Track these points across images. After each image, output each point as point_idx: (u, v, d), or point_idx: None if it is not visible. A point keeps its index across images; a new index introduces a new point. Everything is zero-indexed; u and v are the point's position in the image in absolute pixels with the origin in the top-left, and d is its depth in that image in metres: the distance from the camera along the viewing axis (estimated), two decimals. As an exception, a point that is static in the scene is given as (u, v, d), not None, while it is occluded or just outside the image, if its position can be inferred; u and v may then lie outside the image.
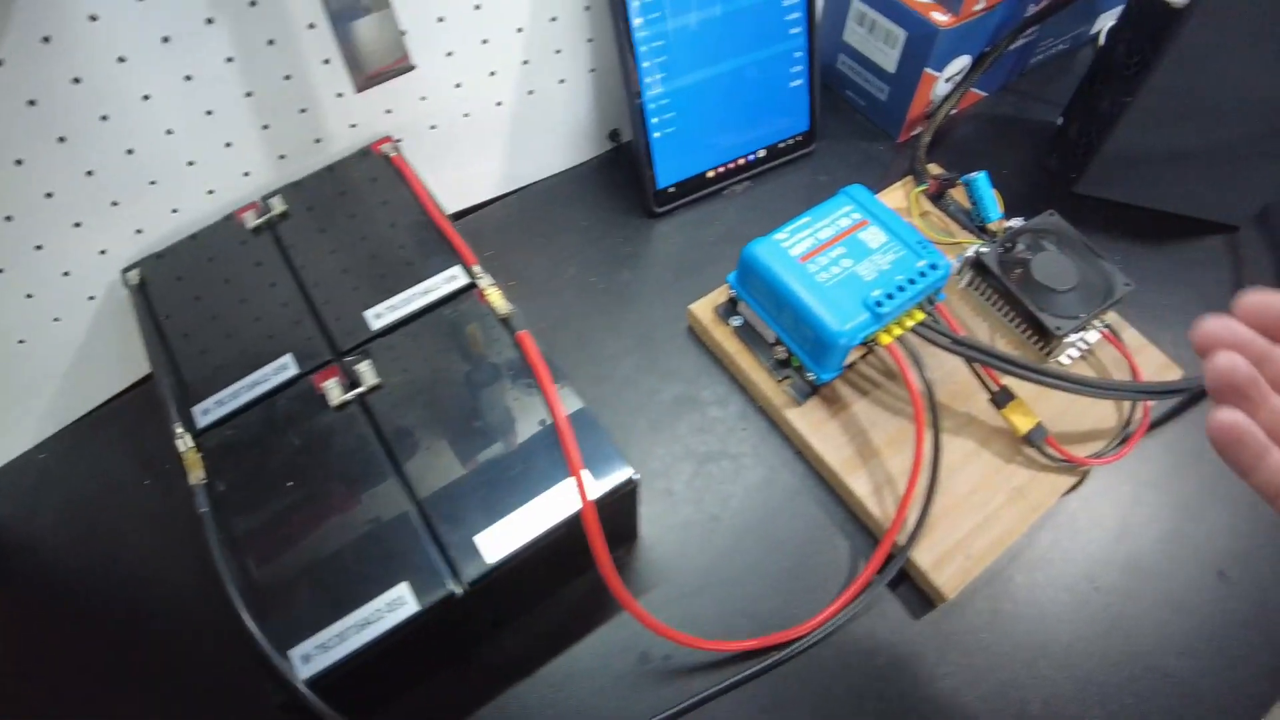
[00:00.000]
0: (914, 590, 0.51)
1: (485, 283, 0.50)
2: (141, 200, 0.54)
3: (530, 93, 0.62)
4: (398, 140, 0.59)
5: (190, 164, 0.54)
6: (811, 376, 0.54)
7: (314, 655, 0.40)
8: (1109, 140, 0.62)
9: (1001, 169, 0.68)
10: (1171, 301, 0.62)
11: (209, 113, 0.52)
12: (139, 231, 0.55)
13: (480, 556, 0.42)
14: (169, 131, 0.52)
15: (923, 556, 0.50)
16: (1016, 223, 0.59)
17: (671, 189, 0.64)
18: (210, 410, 0.48)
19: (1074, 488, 0.54)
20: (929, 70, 0.63)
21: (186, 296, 0.53)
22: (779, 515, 0.53)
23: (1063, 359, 0.57)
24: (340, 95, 0.56)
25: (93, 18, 0.45)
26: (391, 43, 0.51)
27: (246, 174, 0.56)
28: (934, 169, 0.64)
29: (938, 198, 0.62)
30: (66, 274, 0.54)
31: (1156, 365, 0.57)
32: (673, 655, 0.49)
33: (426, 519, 0.43)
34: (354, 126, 0.58)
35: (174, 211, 0.55)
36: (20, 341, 0.55)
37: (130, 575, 0.53)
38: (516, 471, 0.44)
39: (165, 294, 0.53)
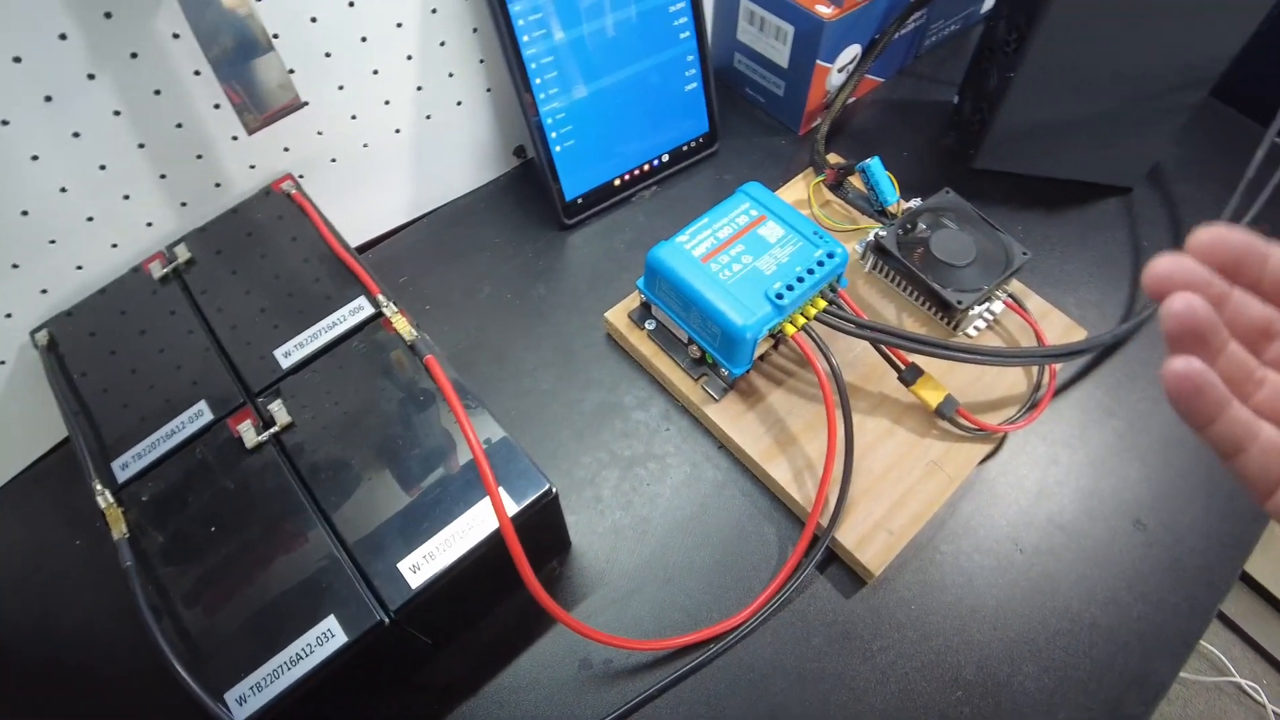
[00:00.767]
0: (843, 570, 0.52)
1: (391, 311, 0.50)
2: (43, 260, 0.54)
3: (428, 118, 0.62)
4: (300, 176, 0.59)
5: (89, 219, 0.54)
6: (725, 372, 0.55)
7: (249, 696, 0.40)
8: (999, 115, 0.64)
9: (902, 151, 0.69)
10: (1074, 265, 0.64)
11: (102, 167, 0.52)
12: (44, 291, 0.55)
13: (404, 583, 0.42)
14: (63, 189, 0.52)
15: (846, 536, 0.51)
16: (915, 204, 0.61)
17: (579, 200, 0.65)
18: (129, 464, 0.48)
19: (991, 455, 0.56)
20: (821, 62, 0.65)
21: (100, 352, 0.53)
22: (707, 510, 0.54)
23: (969, 331, 0.59)
24: (235, 138, 0.56)
25: (-33, 84, 0.45)
26: (279, 83, 0.51)
27: (149, 224, 0.56)
28: (833, 158, 0.66)
29: (837, 186, 0.64)
30: (-27, 341, 0.54)
31: (1062, 328, 0.59)
32: (613, 659, 0.50)
33: (349, 551, 0.44)
34: (253, 167, 0.58)
35: (78, 268, 0.55)
36: (-67, 412, 0.55)
37: (68, 639, 0.53)
38: (435, 496, 0.45)
39: (77, 351, 0.53)
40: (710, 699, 0.48)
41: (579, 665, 0.50)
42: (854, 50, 0.67)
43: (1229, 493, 0.54)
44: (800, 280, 0.52)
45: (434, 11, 0.57)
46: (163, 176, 0.55)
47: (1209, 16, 0.55)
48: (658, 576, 0.52)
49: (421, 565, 0.43)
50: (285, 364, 0.50)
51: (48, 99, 0.48)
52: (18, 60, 0.46)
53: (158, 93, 0.51)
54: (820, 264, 0.53)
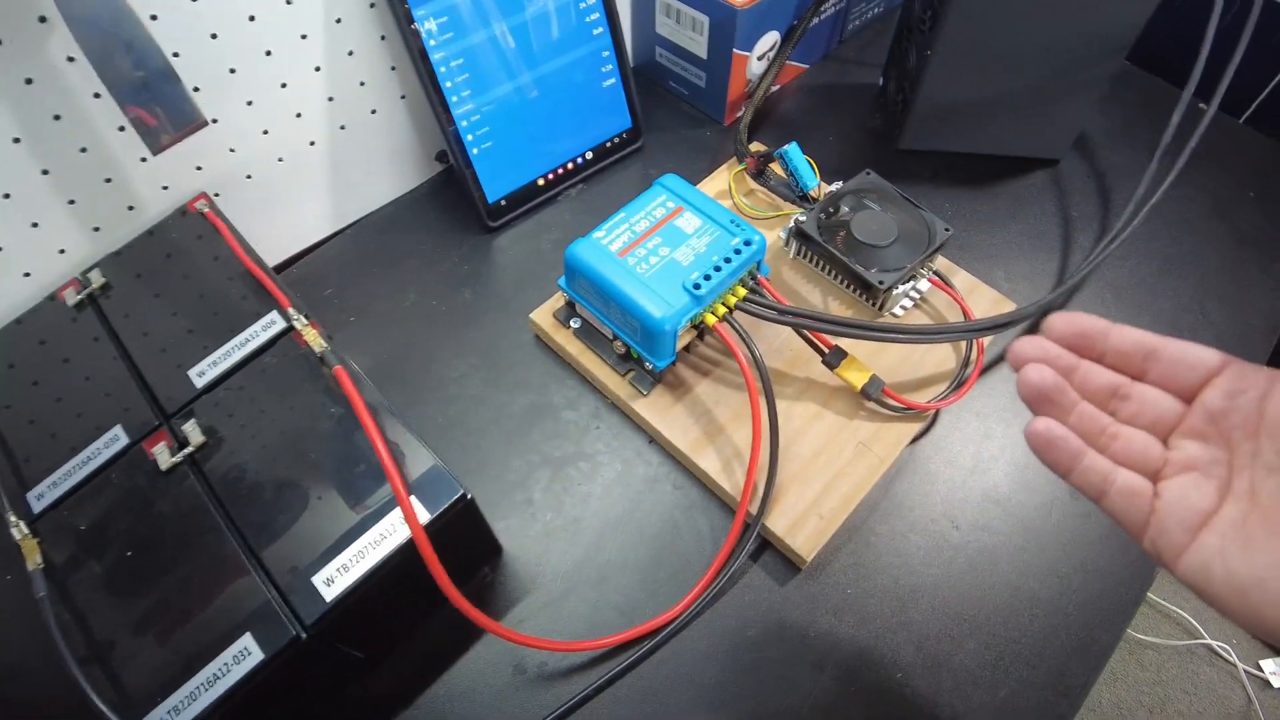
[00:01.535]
0: (777, 558, 0.52)
1: (301, 324, 0.50)
2: (-46, 292, 0.53)
3: (343, 128, 0.62)
4: (215, 195, 0.59)
5: (-1, 250, 0.53)
6: (650, 366, 0.54)
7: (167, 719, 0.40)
8: (920, 94, 0.64)
9: (828, 136, 0.69)
10: (1003, 239, 0.64)
11: (6, 195, 0.52)
12: (-43, 325, 0.54)
13: (319, 596, 0.42)
14: (-33, 221, 0.51)
15: (776, 523, 0.51)
16: (836, 187, 0.61)
17: (503, 202, 0.64)
18: (45, 494, 0.47)
19: (923, 434, 0.56)
20: (738, 51, 0.65)
21: (19, 382, 0.52)
22: (639, 507, 0.54)
23: (895, 311, 0.58)
24: (144, 159, 0.55)
25: None
26: (181, 103, 0.51)
27: (62, 251, 0.56)
28: (756, 147, 0.65)
29: (759, 174, 0.63)
30: (-110, 378, 0.53)
31: (990, 302, 0.59)
32: (548, 662, 0.49)
33: (264, 568, 0.43)
34: (166, 188, 0.57)
35: (-9, 300, 0.55)
36: None
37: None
38: (348, 506, 0.44)
39: (-3, 383, 0.52)
40: (647, 695, 0.48)
41: (513, 670, 0.49)
42: (773, 37, 0.67)
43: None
44: (717, 269, 0.52)
45: (339, 21, 0.57)
46: (71, 202, 0.54)
47: (1115, -17, 0.55)
48: (591, 576, 0.52)
49: (335, 578, 0.42)
50: (199, 383, 0.49)
51: (-60, 129, 0.48)
52: (-96, 91, 0.46)
53: (58, 118, 0.51)
54: (737, 252, 0.53)
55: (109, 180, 0.55)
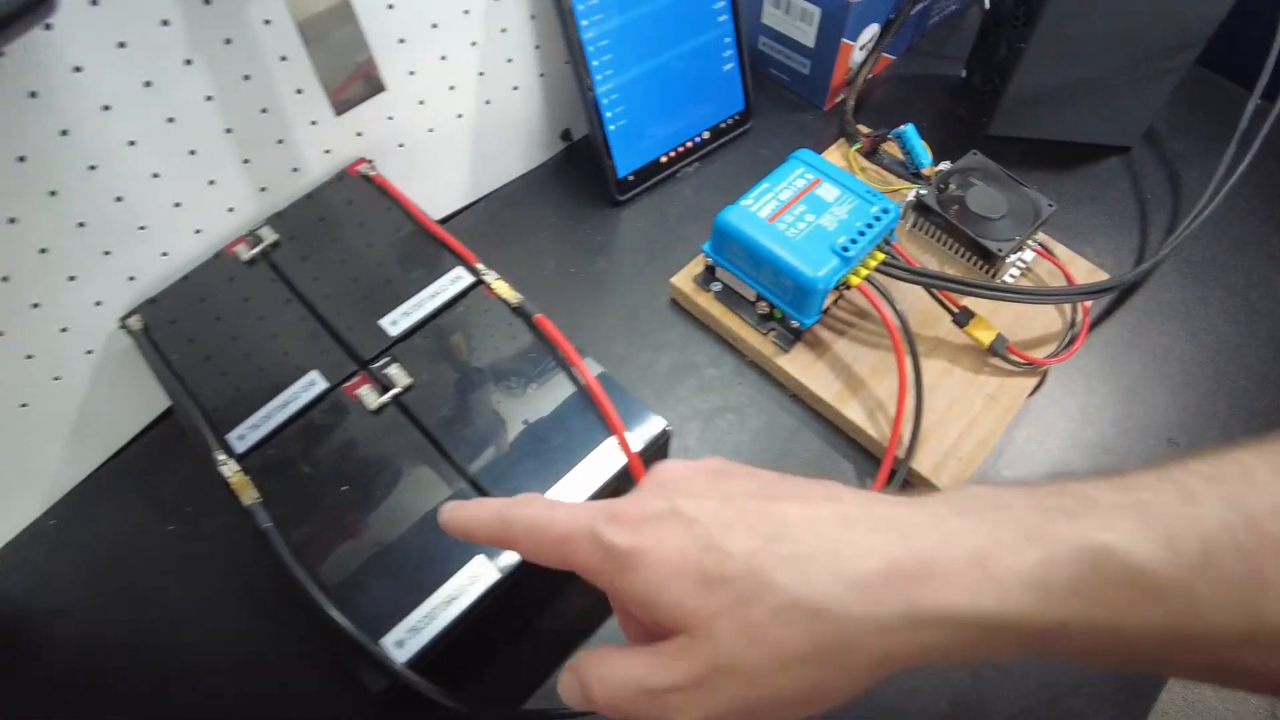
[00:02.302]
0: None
1: (491, 277, 0.53)
2: (132, 247, 0.55)
3: (488, 102, 0.65)
4: (369, 161, 0.61)
5: (177, 205, 0.55)
6: (795, 324, 0.58)
7: (406, 639, 0.42)
8: (1011, 85, 0.70)
9: (920, 121, 0.74)
10: (1086, 217, 0.70)
11: (192, 152, 0.54)
12: (131, 279, 0.56)
13: (543, 520, 0.45)
14: (155, 175, 0.53)
15: (922, 464, 0.55)
16: (945, 166, 0.66)
17: (630, 177, 0.68)
18: (245, 435, 0.49)
19: (1037, 388, 0.61)
20: (846, 40, 0.70)
21: (193, 335, 0.54)
22: (787, 454, 0.58)
23: (1006, 278, 0.64)
24: (314, 123, 0.58)
25: (77, 69, 0.47)
26: (370, 69, 0.54)
27: (230, 209, 0.58)
28: (862, 129, 0.70)
29: (871, 154, 0.68)
30: (64, 330, 0.54)
31: (1085, 271, 0.64)
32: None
33: (484, 493, 0.46)
34: (328, 152, 0.60)
35: (164, 255, 0.56)
36: (22, 405, 0.55)
37: (169, 628, 0.53)
38: (559, 440, 0.48)
39: (171, 335, 0.54)
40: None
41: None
42: (873, 29, 0.72)
43: (1250, 409, 0.60)
44: (861, 234, 0.56)
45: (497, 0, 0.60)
46: (246, 161, 0.56)
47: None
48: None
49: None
50: (393, 332, 0.52)
51: (147, 84, 0.50)
52: (122, 46, 0.48)
53: (247, 78, 0.53)
54: (877, 219, 0.57)
55: (281, 141, 0.57)
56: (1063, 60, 0.67)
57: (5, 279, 0.50)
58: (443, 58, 0.60)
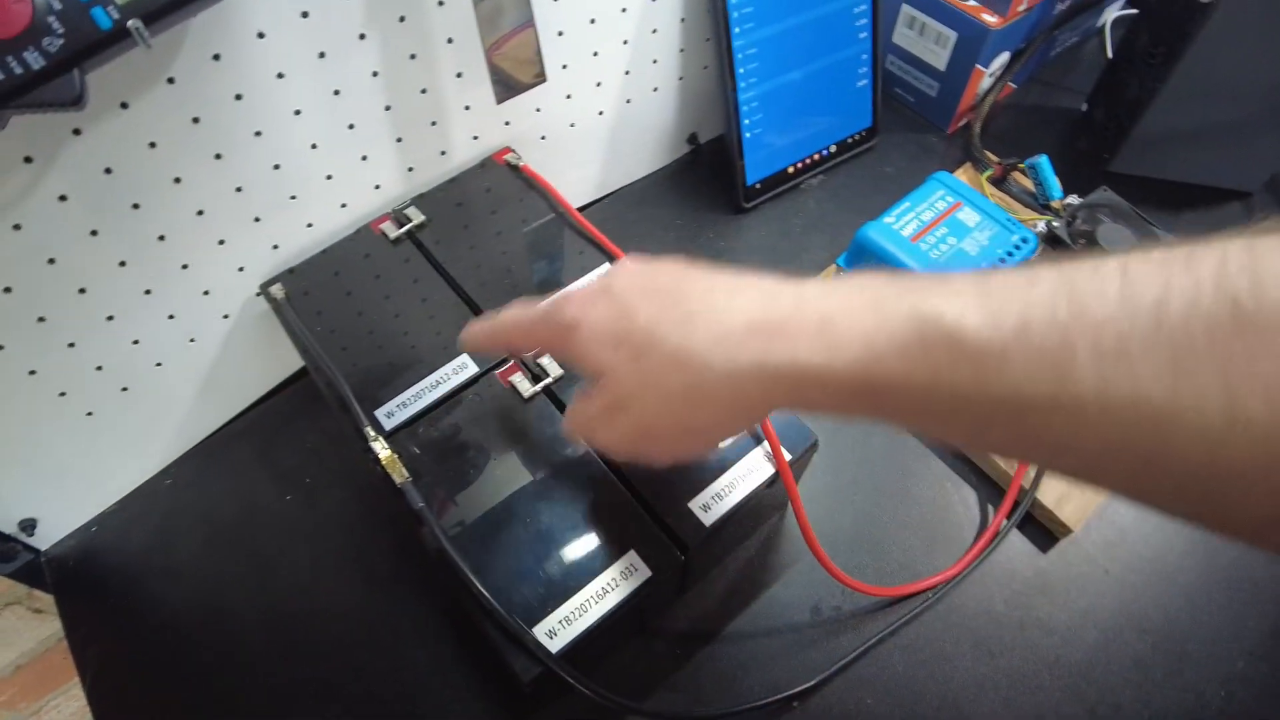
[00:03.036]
0: (1037, 528, 0.56)
1: (645, 274, 0.53)
2: (281, 215, 0.55)
3: (628, 101, 0.65)
4: (514, 150, 0.61)
5: (328, 178, 0.55)
6: (927, 345, 0.58)
7: (559, 630, 0.42)
8: (1140, 123, 0.70)
9: (1037, 152, 0.75)
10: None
11: (351, 126, 0.54)
12: (275, 247, 0.56)
13: (698, 521, 0.45)
14: (314, 146, 0.53)
15: (1047, 496, 0.55)
16: (1074, 199, 0.66)
17: (758, 185, 0.68)
18: (394, 413, 0.50)
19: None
20: (979, 66, 0.70)
21: (335, 308, 0.54)
22: (909, 474, 0.58)
23: (1132, 316, 0.64)
24: (468, 108, 0.58)
25: (260, 35, 0.47)
26: (531, 58, 0.54)
27: (377, 187, 0.58)
28: (990, 155, 0.71)
29: (1000, 181, 0.68)
30: (206, 293, 0.55)
31: (1206, 317, 0.64)
32: (841, 605, 0.53)
33: (639, 495, 0.46)
34: (475, 139, 0.60)
35: (309, 226, 0.57)
36: (158, 365, 0.55)
37: (288, 598, 0.54)
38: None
39: (312, 307, 0.54)
40: (931, 641, 0.52)
41: (810, 612, 0.53)
42: (1003, 57, 0.72)
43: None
44: (1002, 261, 0.57)
45: (653, 0, 0.60)
46: (399, 140, 0.57)
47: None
48: (870, 533, 0.55)
49: (711, 505, 0.46)
50: (545, 321, 0.52)
51: (321, 55, 0.50)
52: (305, 15, 0.48)
53: (413, 57, 0.53)
54: (1017, 248, 0.58)
55: (434, 123, 0.57)
56: (1198, 102, 0.67)
57: (161, 238, 0.50)
58: (595, 54, 0.61)
